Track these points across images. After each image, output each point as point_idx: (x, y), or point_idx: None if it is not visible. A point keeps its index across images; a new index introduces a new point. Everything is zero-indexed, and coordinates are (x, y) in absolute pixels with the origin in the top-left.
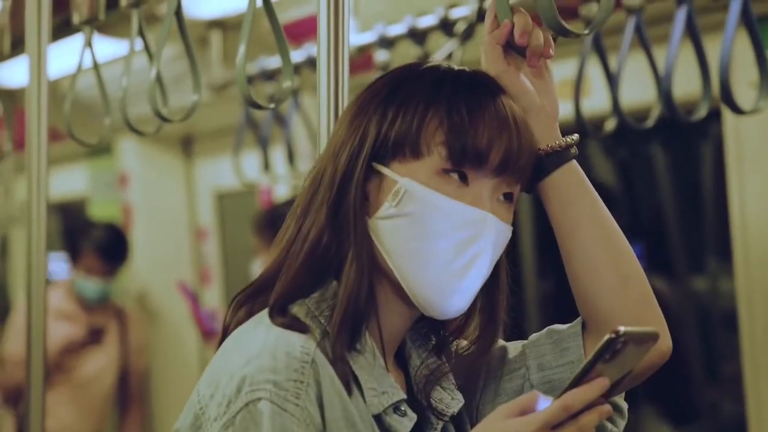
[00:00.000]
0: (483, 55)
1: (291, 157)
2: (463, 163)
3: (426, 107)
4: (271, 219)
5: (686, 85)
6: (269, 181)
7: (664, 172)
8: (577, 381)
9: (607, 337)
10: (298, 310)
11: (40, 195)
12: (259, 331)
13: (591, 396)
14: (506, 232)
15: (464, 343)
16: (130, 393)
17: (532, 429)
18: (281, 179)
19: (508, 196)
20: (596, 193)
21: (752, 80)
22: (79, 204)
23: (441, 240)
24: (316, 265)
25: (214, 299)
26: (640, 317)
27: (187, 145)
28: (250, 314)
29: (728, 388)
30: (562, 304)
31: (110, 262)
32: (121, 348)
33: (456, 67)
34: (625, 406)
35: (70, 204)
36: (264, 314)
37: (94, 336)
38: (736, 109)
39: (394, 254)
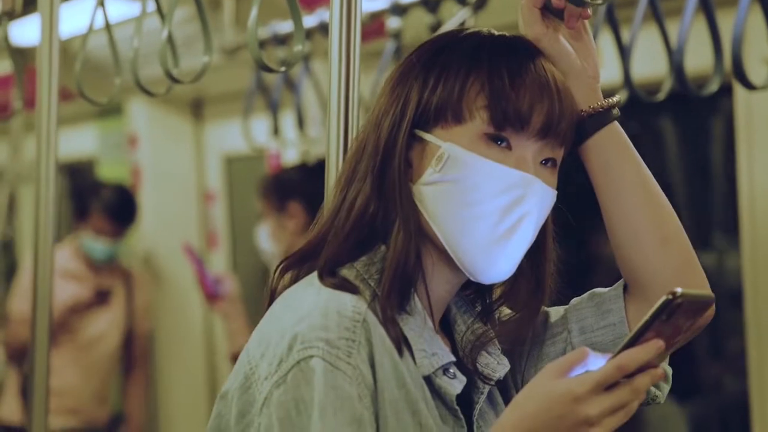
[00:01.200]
0: (520, 18)
1: (301, 122)
2: (505, 126)
3: (467, 72)
4: (277, 183)
5: (698, 59)
6: (278, 145)
7: (673, 146)
8: (632, 342)
9: (663, 298)
10: (347, 272)
11: (49, 154)
12: (310, 292)
13: (646, 357)
14: (551, 196)
15: (507, 310)
16: (135, 355)
17: (586, 389)
18: (290, 144)
19: (551, 161)
20: (638, 154)
21: (765, 56)
22: (87, 164)
23: (485, 204)
24: (363, 232)
25: (220, 263)
26: (682, 280)
27: (196, 108)
28: (296, 279)
29: (732, 365)
30: (609, 268)
31: (119, 224)
32: (127, 309)
33: (496, 32)
34: (669, 371)
35: (79, 164)
36: (313, 276)
37: (101, 297)
38: (748, 85)
39: (439, 220)
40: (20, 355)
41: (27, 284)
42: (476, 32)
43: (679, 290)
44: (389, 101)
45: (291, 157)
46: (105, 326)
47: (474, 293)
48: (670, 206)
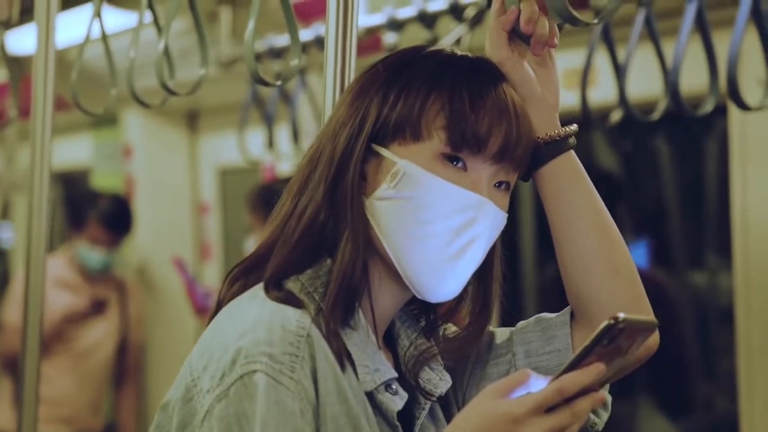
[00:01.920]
0: (487, 40)
1: (296, 135)
2: (462, 148)
3: (428, 91)
4: (266, 196)
5: (693, 79)
6: (273, 158)
7: (667, 166)
8: (574, 365)
9: (606, 323)
10: (292, 285)
11: (44, 163)
12: (254, 305)
13: (586, 381)
14: (502, 219)
15: (453, 327)
16: (128, 365)
17: (525, 410)
18: (285, 157)
19: (505, 184)
20: (591, 184)
21: (760, 77)
22: (82, 174)
23: (437, 223)
24: (311, 241)
25: (213, 275)
26: (629, 309)
27: (192, 120)
28: (244, 289)
29: (723, 384)
30: (562, 293)
31: (115, 233)
32: (121, 320)
33: (459, 52)
34: (609, 398)
35: (73, 174)
36: (258, 288)
37: (96, 307)
38: (743, 105)
39: (389, 235)
40: (14, 364)
41: (20, 293)
42: (439, 51)
43: (621, 315)
44: (348, 113)
45: (285, 170)
46: (100, 336)
47: (418, 309)
48: (621, 237)
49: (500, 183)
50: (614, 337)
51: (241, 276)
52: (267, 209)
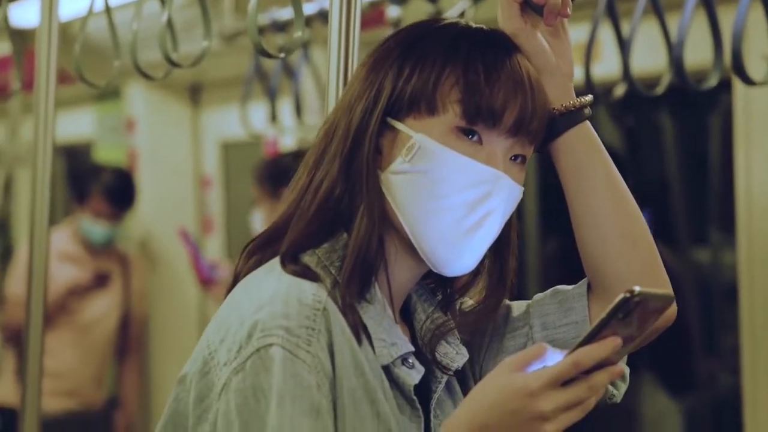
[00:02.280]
0: (500, 12)
1: (299, 109)
2: (477, 121)
3: (443, 64)
4: (272, 169)
5: (698, 53)
6: (276, 132)
7: (671, 141)
8: (589, 339)
9: (621, 296)
10: (308, 259)
11: (47, 136)
12: (271, 279)
13: (603, 354)
14: (518, 192)
15: (469, 301)
16: (130, 339)
17: (541, 383)
18: (288, 131)
19: (521, 157)
20: (608, 155)
21: (764, 52)
22: (85, 147)
23: (453, 197)
24: (327, 216)
25: (215, 248)
26: (647, 281)
27: (195, 94)
28: (260, 263)
29: (726, 361)
30: (565, 265)
31: (118, 207)
32: (124, 293)
33: (473, 25)
34: (626, 370)
35: (76, 147)
36: (275, 262)
37: (100, 280)
38: (747, 80)
39: (405, 209)
40: (17, 337)
41: (23, 266)
42: (454, 23)
43: (637, 288)
44: (363, 86)
45: (288, 144)
46: (103, 309)
47: (435, 283)
48: (638, 208)
49: (516, 156)
50: (630, 311)
51: (258, 250)
52: (273, 183)
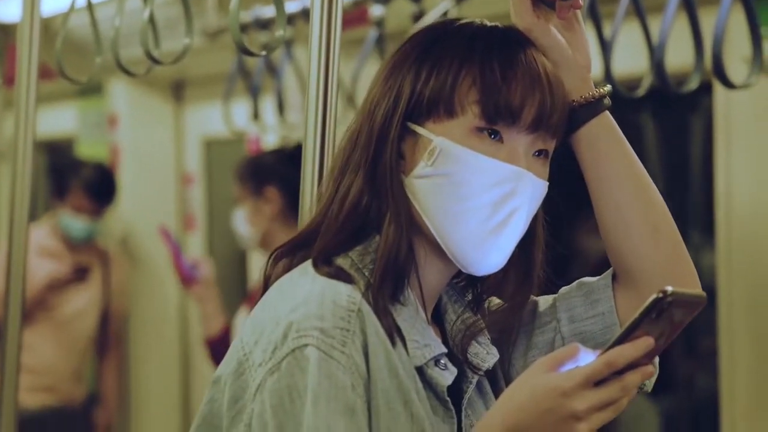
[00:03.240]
0: (512, 8)
1: (281, 107)
2: (496, 120)
3: (459, 65)
4: (254, 168)
5: (679, 56)
6: (258, 130)
7: (652, 143)
8: (622, 339)
9: (654, 296)
10: (342, 261)
11: (28, 132)
12: (305, 280)
13: (635, 354)
14: (542, 187)
15: (496, 300)
16: (110, 335)
17: (574, 383)
18: (270, 129)
19: (543, 153)
20: (628, 143)
21: (745, 55)
22: (66, 143)
23: (477, 197)
24: (356, 223)
25: (196, 246)
26: (671, 269)
27: (177, 90)
28: (290, 267)
29: (704, 363)
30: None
31: (98, 202)
32: (104, 289)
33: (488, 24)
34: (656, 360)
35: (58, 142)
36: (308, 264)
37: (79, 275)
38: (728, 83)
39: (430, 213)
40: None
41: (3, 261)
42: (470, 23)
43: (669, 289)
44: (382, 91)
45: (271, 141)
46: (83, 304)
47: (464, 282)
48: (660, 197)
49: (539, 152)
50: (662, 310)
51: (287, 254)
52: (255, 181)
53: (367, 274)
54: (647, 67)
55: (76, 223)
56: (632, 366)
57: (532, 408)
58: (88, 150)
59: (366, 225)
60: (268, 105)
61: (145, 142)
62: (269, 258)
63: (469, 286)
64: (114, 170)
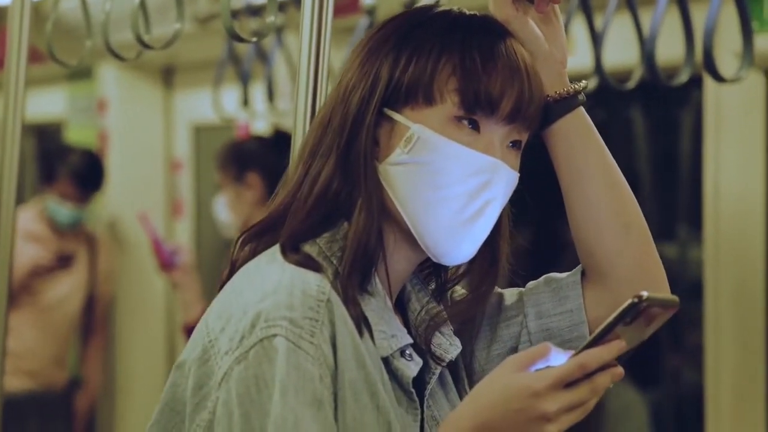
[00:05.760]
0: None
1: (271, 94)
2: (475, 110)
3: (439, 53)
4: (236, 154)
5: (670, 49)
6: (248, 116)
7: (641, 136)
8: (595, 341)
9: (629, 301)
10: (310, 248)
11: (16, 115)
12: (274, 268)
13: (608, 357)
14: (515, 179)
15: (459, 290)
16: (95, 320)
17: (545, 384)
18: (260, 116)
19: (517, 144)
20: (602, 140)
21: (736, 49)
22: (56, 127)
23: (453, 187)
24: (325, 207)
25: (185, 232)
26: (641, 268)
27: (167, 76)
28: (254, 253)
29: (690, 357)
30: (536, 256)
31: (85, 189)
32: (90, 274)
33: (467, 12)
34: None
35: (47, 126)
36: (275, 251)
37: (64, 261)
38: (718, 77)
39: (405, 201)
40: None
41: None
42: (448, 11)
43: (645, 294)
44: (359, 76)
45: (260, 128)
46: (67, 290)
47: (428, 271)
48: (632, 194)
49: (513, 143)
50: (637, 315)
51: (253, 239)
52: (237, 168)
53: (335, 262)
54: (638, 59)
55: (62, 209)
56: (602, 368)
57: (503, 407)
58: (77, 134)
59: (335, 211)
60: (258, 92)
61: (134, 127)
62: (236, 241)
63: (433, 275)
64: (102, 155)
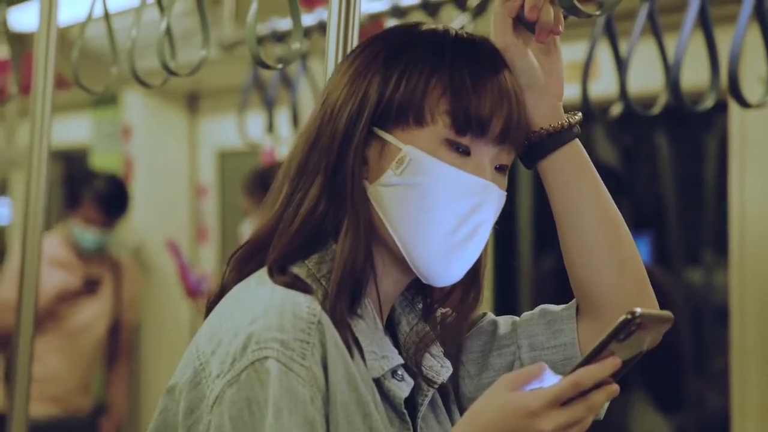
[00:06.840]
0: (492, 25)
1: (295, 119)
2: (466, 131)
3: (430, 74)
4: (262, 180)
5: (695, 75)
6: (272, 142)
7: (667, 161)
8: (589, 359)
9: (623, 317)
10: (298, 270)
11: (43, 141)
12: (264, 290)
13: (602, 375)
14: (503, 200)
15: (441, 310)
16: (120, 346)
17: (541, 403)
18: (284, 141)
19: (504, 168)
20: (597, 174)
21: (761, 74)
22: (81, 153)
23: (445, 209)
24: (312, 229)
25: (209, 258)
26: (636, 302)
27: (192, 102)
28: (241, 274)
29: (716, 382)
30: (559, 287)
31: (110, 214)
32: (115, 300)
33: (453, 31)
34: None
35: (73, 152)
36: (264, 273)
37: (89, 286)
38: (743, 102)
39: (396, 222)
40: (6, 342)
41: (15, 271)
42: (436, 30)
43: (638, 310)
44: (347, 94)
45: (285, 154)
46: (92, 315)
47: (415, 292)
48: (627, 228)
49: (499, 166)
50: (630, 332)
51: (242, 261)
52: (263, 194)
53: (324, 283)
54: (663, 85)
55: (87, 234)
56: (597, 385)
57: (499, 426)
58: (102, 160)
59: (322, 232)
60: (282, 117)
61: (159, 153)
62: (227, 264)
63: (419, 295)
64: (127, 181)
